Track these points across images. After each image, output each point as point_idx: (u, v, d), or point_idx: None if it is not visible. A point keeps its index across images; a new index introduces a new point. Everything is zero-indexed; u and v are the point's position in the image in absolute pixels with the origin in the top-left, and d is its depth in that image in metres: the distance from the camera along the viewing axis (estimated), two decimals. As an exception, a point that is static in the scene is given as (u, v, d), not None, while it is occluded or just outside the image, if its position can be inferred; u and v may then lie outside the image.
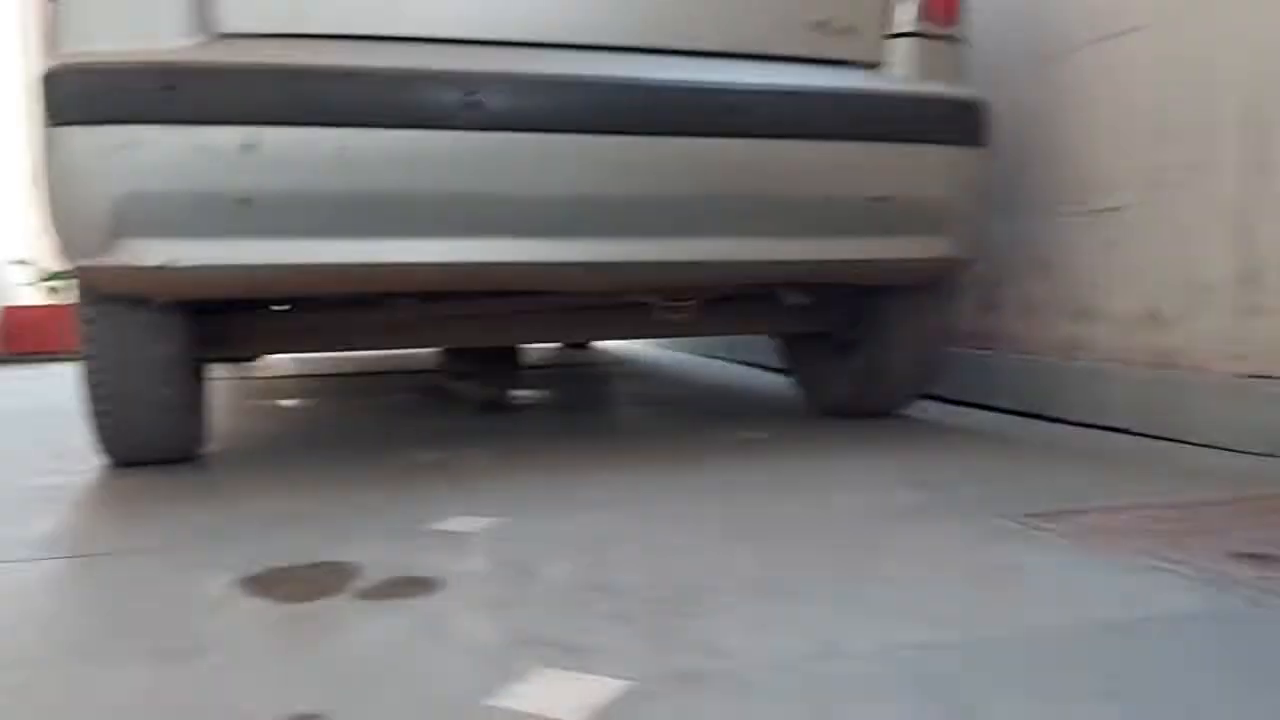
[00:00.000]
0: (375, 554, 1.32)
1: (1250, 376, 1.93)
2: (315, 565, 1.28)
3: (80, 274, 1.75)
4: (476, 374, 2.72)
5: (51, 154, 1.69)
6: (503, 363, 2.76)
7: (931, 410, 2.54)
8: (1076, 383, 2.29)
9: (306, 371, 4.05)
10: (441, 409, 2.78)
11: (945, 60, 2.09)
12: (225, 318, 2.12)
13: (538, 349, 4.84)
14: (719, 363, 4.19)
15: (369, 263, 1.74)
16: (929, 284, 2.20)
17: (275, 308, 2.24)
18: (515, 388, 2.86)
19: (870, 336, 2.32)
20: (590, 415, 2.69)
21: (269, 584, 1.21)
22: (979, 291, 2.61)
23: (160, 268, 1.68)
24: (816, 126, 1.93)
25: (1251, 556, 1.21)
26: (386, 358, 4.56)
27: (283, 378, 3.85)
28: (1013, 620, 1.03)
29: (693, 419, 2.55)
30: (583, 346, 5.17)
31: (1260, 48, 1.91)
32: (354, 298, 2.19)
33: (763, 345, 3.81)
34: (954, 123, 2.05)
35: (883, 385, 2.35)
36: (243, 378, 3.84)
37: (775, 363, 3.66)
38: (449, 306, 2.22)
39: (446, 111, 1.71)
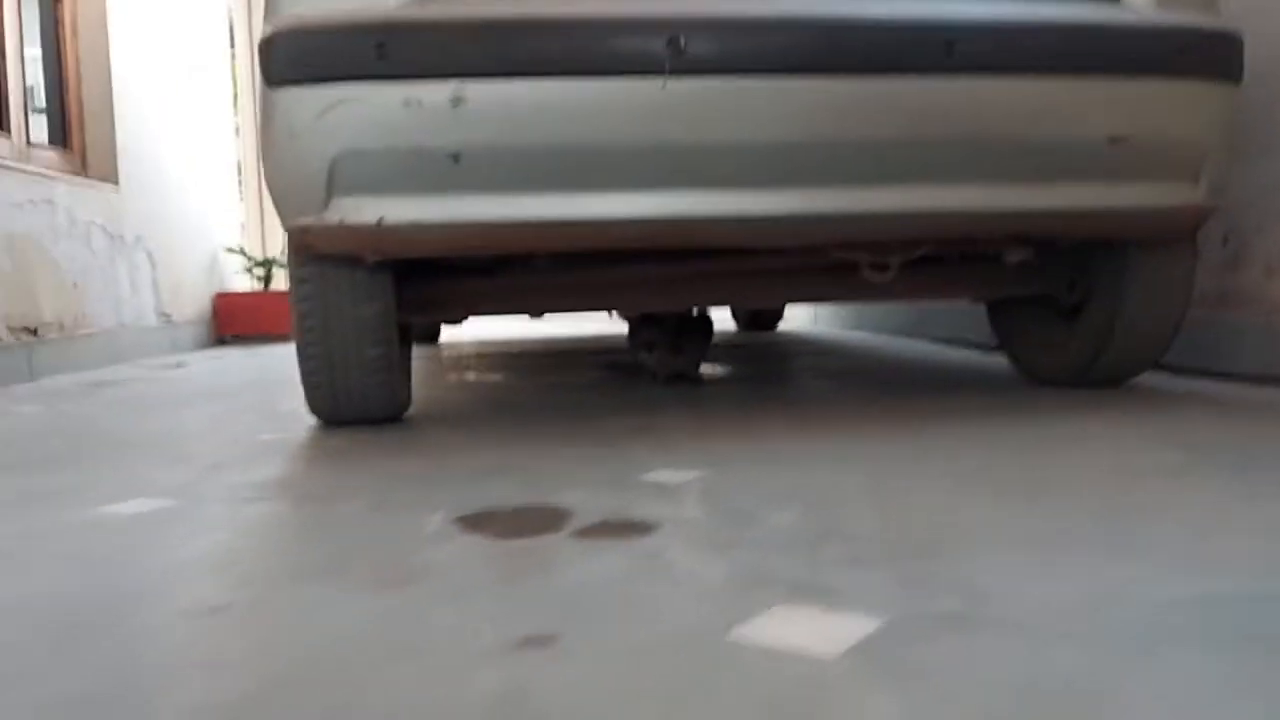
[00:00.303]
0: (585, 500, 1.28)
1: None
2: (527, 508, 1.25)
3: (296, 234, 1.80)
4: (664, 346, 2.67)
5: (269, 116, 1.74)
6: (691, 335, 2.70)
7: (1160, 380, 2.31)
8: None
9: (491, 350, 4.12)
10: (630, 382, 2.74)
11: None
12: (428, 281, 2.14)
13: (720, 329, 4.77)
14: (907, 340, 4.00)
15: (575, 218, 1.71)
16: (1171, 236, 1.99)
17: (473, 273, 2.25)
18: (703, 361, 2.79)
19: (1101, 299, 2.13)
20: (781, 387, 2.60)
21: (483, 523, 1.18)
22: (1219, 246, 2.36)
23: (373, 225, 1.70)
24: (1048, 61, 1.77)
25: None
26: (572, 337, 4.60)
27: (469, 355, 3.93)
28: (1326, 577, 0.88)
29: (889, 390, 2.42)
30: (766, 328, 5.07)
31: None
32: (553, 260, 2.18)
33: (954, 320, 3.60)
34: (1201, 55, 1.84)
35: (1115, 353, 2.14)
36: (430, 356, 3.94)
37: (971, 337, 3.45)
38: (644, 268, 2.17)
39: (651, 58, 1.65)
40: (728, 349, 3.88)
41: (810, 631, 0.78)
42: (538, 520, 1.19)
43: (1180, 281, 2.07)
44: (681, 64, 1.65)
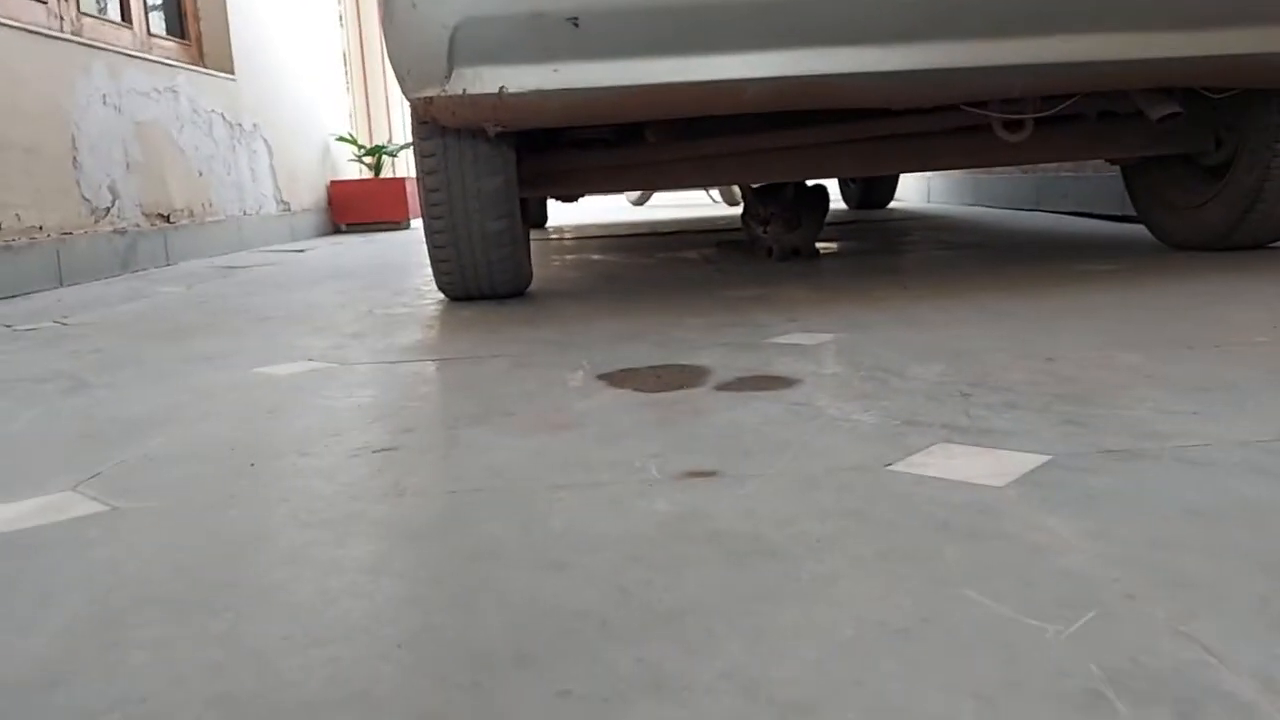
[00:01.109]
0: (722, 359, 1.29)
1: None
2: (666, 367, 1.27)
3: (420, 106, 1.81)
4: (780, 220, 2.64)
5: (391, -13, 1.74)
6: (808, 209, 2.65)
7: (1312, 244, 2.19)
8: None
9: (600, 234, 4.13)
10: (745, 259, 2.73)
11: None
12: (547, 156, 2.14)
13: (833, 209, 4.68)
14: (1028, 214, 3.86)
15: (700, 80, 1.68)
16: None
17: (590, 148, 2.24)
18: (819, 236, 2.75)
19: (1249, 156, 2.01)
20: (900, 259, 2.55)
21: (626, 379, 1.21)
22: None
23: (495, 95, 1.70)
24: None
25: None
26: (678, 221, 4.57)
27: (579, 238, 3.95)
28: None
29: (1016, 258, 2.35)
30: (878, 205, 4.95)
31: None
32: (671, 132, 2.15)
33: (1077, 190, 3.45)
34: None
35: (1265, 212, 2.03)
36: (541, 240, 3.97)
37: (1097, 208, 3.31)
38: (764, 137, 2.13)
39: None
40: (841, 226, 3.81)
41: (974, 465, 0.78)
42: (679, 376, 1.21)
43: (1339, 136, 1.94)
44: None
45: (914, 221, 3.89)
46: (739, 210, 2.64)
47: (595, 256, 3.08)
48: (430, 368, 1.38)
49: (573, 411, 1.05)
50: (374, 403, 1.17)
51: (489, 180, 1.92)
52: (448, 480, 0.84)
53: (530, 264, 2.14)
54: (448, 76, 1.72)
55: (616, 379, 1.21)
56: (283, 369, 1.41)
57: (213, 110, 3.97)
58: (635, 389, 1.15)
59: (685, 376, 1.20)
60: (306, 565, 0.66)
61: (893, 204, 5.13)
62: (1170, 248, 2.28)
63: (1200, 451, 0.79)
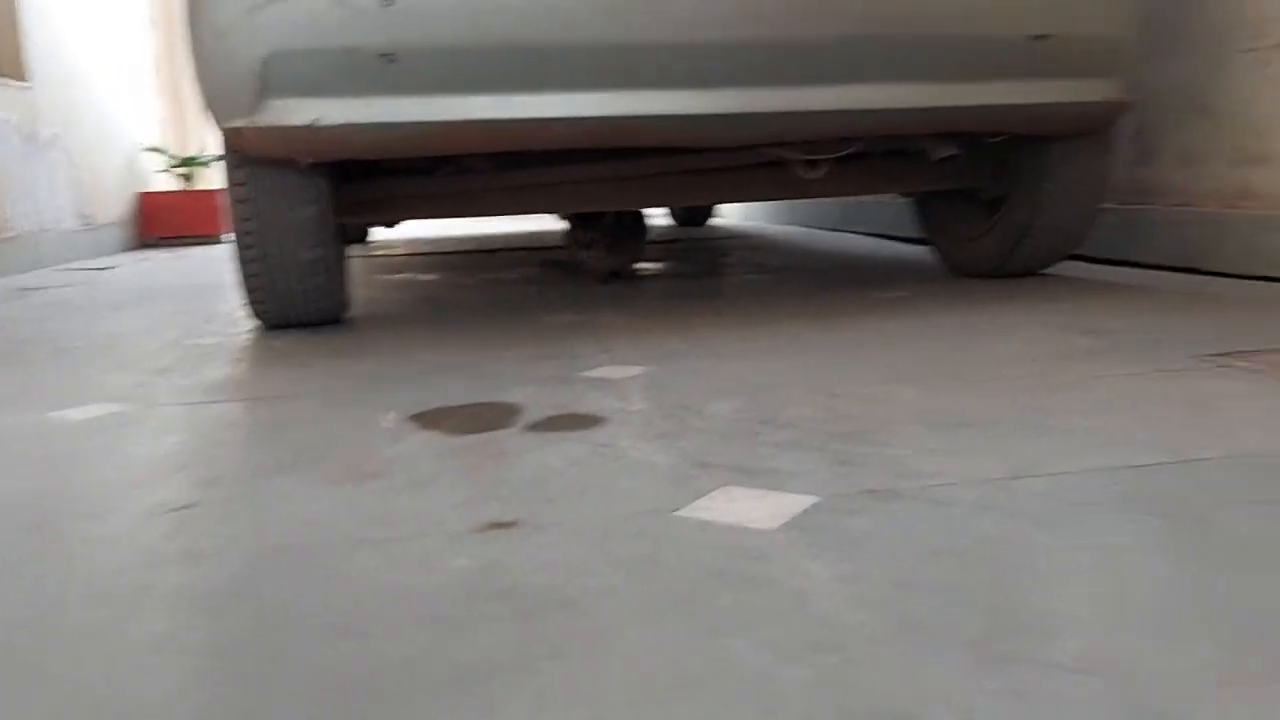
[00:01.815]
0: (534, 396, 1.33)
1: None
2: (478, 405, 1.30)
3: (230, 136, 1.77)
4: (601, 244, 2.70)
5: (197, 13, 1.70)
6: (628, 233, 2.73)
7: (1077, 269, 2.42)
8: (1240, 234, 2.15)
9: (426, 251, 4.10)
10: (567, 280, 2.78)
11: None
12: (365, 182, 2.13)
13: (655, 225, 4.80)
14: (835, 234, 4.08)
15: (513, 119, 1.72)
16: (1089, 131, 2.07)
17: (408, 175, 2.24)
18: (639, 259, 2.83)
19: (1021, 191, 2.21)
20: (716, 282, 2.65)
21: (436, 419, 1.23)
22: (1132, 141, 2.45)
23: (307, 127, 1.69)
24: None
25: None
26: (506, 235, 4.58)
27: (403, 256, 3.91)
28: (1222, 444, 0.98)
29: (822, 283, 2.49)
30: (698, 223, 5.11)
31: None
32: (491, 161, 2.18)
33: (881, 214, 3.68)
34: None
35: (1034, 243, 2.23)
36: (364, 256, 3.91)
37: (896, 231, 3.54)
38: (581, 169, 2.19)
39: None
40: (663, 245, 3.92)
41: (751, 508, 0.85)
42: (490, 416, 1.24)
43: (1095, 175, 2.15)
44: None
45: (733, 241, 4.04)
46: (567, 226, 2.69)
47: (419, 276, 3.07)
48: (238, 409, 1.35)
49: (381, 457, 1.07)
50: (177, 451, 1.15)
51: (301, 210, 1.90)
52: (248, 539, 0.84)
53: (347, 290, 2.12)
54: (257, 108, 1.69)
55: (428, 419, 1.23)
56: (79, 412, 1.36)
57: (5, 120, 3.72)
58: (446, 431, 1.17)
59: (496, 416, 1.23)
60: (90, 647, 0.66)
61: (714, 220, 5.31)
62: (954, 274, 2.47)
63: (946, 490, 0.88)
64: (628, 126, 1.78)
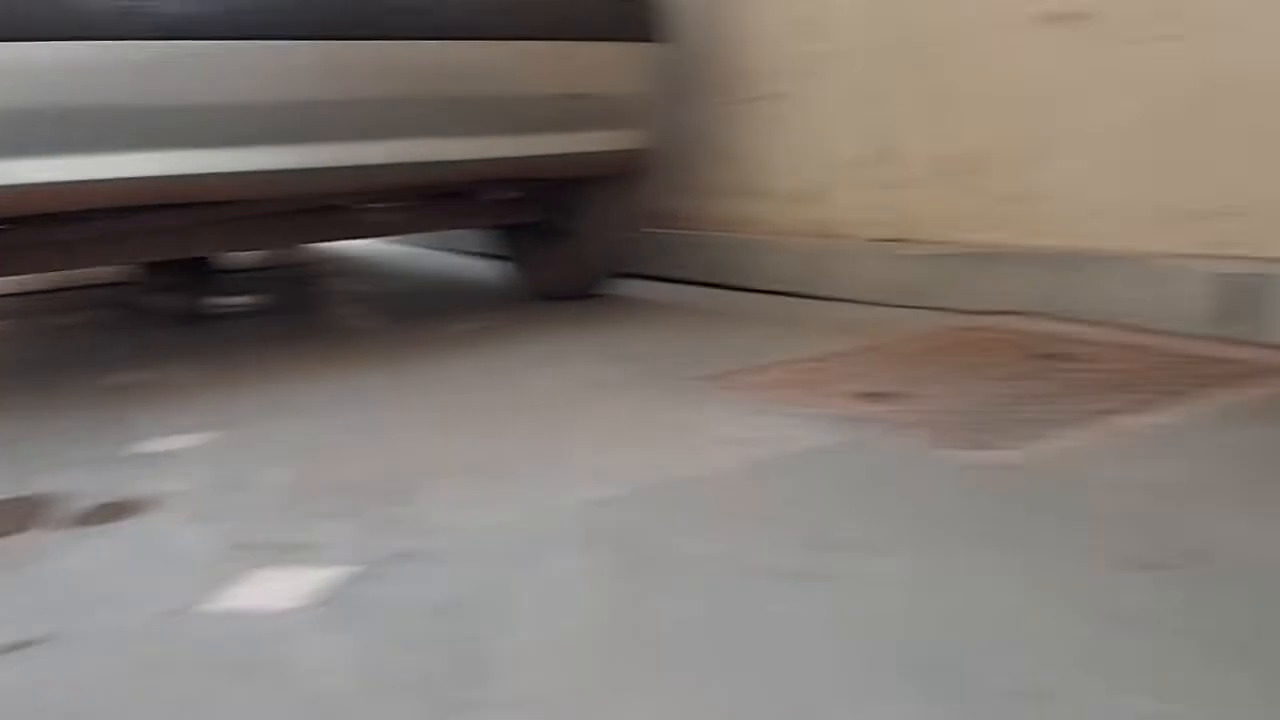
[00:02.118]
0: (80, 482, 1.31)
1: (892, 240, 2.23)
2: (21, 499, 1.26)
3: None
4: (175, 285, 2.61)
5: None
6: (199, 271, 2.66)
7: (633, 287, 2.72)
8: (751, 255, 2.54)
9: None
10: (142, 325, 2.65)
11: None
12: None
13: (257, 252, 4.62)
14: (437, 253, 4.20)
15: (52, 181, 1.65)
16: (622, 174, 2.34)
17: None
18: (218, 295, 2.77)
19: (575, 224, 2.45)
20: (301, 318, 2.67)
21: (-35, 525, 1.18)
22: (666, 177, 2.79)
23: None
24: (506, 26, 1.99)
25: (874, 395, 1.46)
26: (80, 272, 4.20)
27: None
28: (690, 469, 1.20)
29: (407, 315, 2.59)
30: (290, 246, 4.98)
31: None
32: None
33: (479, 235, 3.85)
34: (637, 20, 2.17)
35: (585, 268, 2.49)
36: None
37: (491, 250, 3.72)
38: (147, 219, 2.12)
39: (111, 21, 1.63)
40: (253, 274, 3.81)
41: (278, 590, 0.94)
42: (26, 512, 1.21)
43: (631, 208, 2.45)
44: (142, 27, 1.64)
45: (333, 265, 4.02)
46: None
47: (-42, 335, 2.76)
48: None
49: (-107, 583, 1.02)
50: None
51: None
52: None
53: None
54: None
55: (-45, 526, 1.18)
56: None
57: None
58: (-25, 538, 1.14)
59: (34, 510, 1.21)
60: None
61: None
62: (531, 296, 2.69)
63: (463, 543, 1.02)
64: (178, 185, 1.77)
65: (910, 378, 1.55)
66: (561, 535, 1.03)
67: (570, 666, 0.77)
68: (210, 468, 1.34)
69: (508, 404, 1.57)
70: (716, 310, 2.33)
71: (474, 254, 3.88)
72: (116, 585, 0.98)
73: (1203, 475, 1.09)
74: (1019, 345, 1.72)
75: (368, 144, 1.91)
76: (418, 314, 2.59)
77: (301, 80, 1.79)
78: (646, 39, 2.19)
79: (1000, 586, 0.86)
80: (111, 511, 1.19)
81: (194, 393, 1.80)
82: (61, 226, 2.08)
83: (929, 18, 2.11)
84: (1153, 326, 1.71)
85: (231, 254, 2.74)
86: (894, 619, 0.81)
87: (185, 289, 2.61)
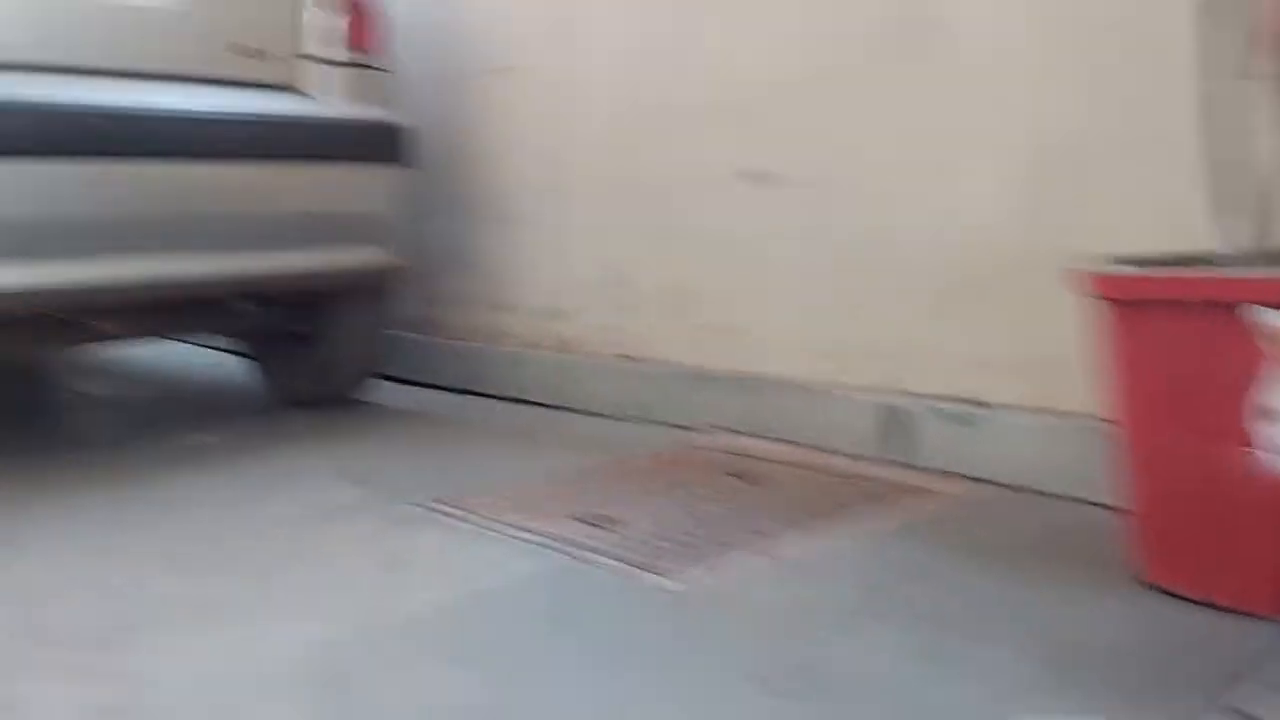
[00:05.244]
0: None
1: (625, 358, 2.44)
2: None
3: None
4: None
5: None
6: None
7: (384, 390, 2.77)
8: (500, 365, 2.68)
9: None
10: None
11: (365, 85, 2.32)
12: None
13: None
14: (186, 347, 4.07)
15: None
16: (367, 287, 2.44)
17: None
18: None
19: (321, 332, 2.52)
20: (27, 424, 2.57)
21: None
22: (422, 286, 2.91)
23: None
24: (241, 148, 2.07)
25: (590, 519, 1.62)
26: None
27: None
28: (404, 604, 1.31)
29: (142, 423, 2.55)
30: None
31: (616, 89, 2.40)
32: None
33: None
34: (375, 144, 2.31)
35: (334, 375, 2.56)
36: None
37: (241, 349, 3.67)
38: None
39: None
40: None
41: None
42: None
43: (375, 320, 2.54)
44: None
45: (70, 361, 3.83)
46: None
47: None
48: None
49: None
50: None
51: None
52: None
53: None
54: None
55: None
56: None
57: None
58: None
59: None
60: None
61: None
62: (276, 398, 2.70)
63: (176, 697, 1.08)
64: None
65: (623, 499, 1.73)
66: (274, 684, 1.11)
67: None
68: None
69: (233, 535, 1.62)
70: (462, 420, 2.45)
71: (225, 350, 3.81)
72: None
73: (833, 596, 1.31)
74: (718, 464, 1.94)
75: (106, 260, 1.92)
76: (154, 421, 2.55)
77: (42, 196, 1.80)
78: (389, 161, 2.32)
79: (633, 703, 1.02)
80: None
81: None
82: None
83: (654, 162, 2.36)
84: (827, 447, 1.98)
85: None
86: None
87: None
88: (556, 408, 2.52)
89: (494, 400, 2.65)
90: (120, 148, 1.90)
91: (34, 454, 2.26)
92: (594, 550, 1.49)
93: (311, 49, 2.20)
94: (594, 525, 1.60)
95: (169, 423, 2.52)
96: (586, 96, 2.48)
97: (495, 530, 1.58)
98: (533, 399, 2.59)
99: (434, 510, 1.70)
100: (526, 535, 1.56)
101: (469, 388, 2.75)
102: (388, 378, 2.86)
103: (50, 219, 1.84)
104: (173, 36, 2.04)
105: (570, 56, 2.50)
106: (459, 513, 1.68)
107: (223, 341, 3.79)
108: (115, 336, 2.34)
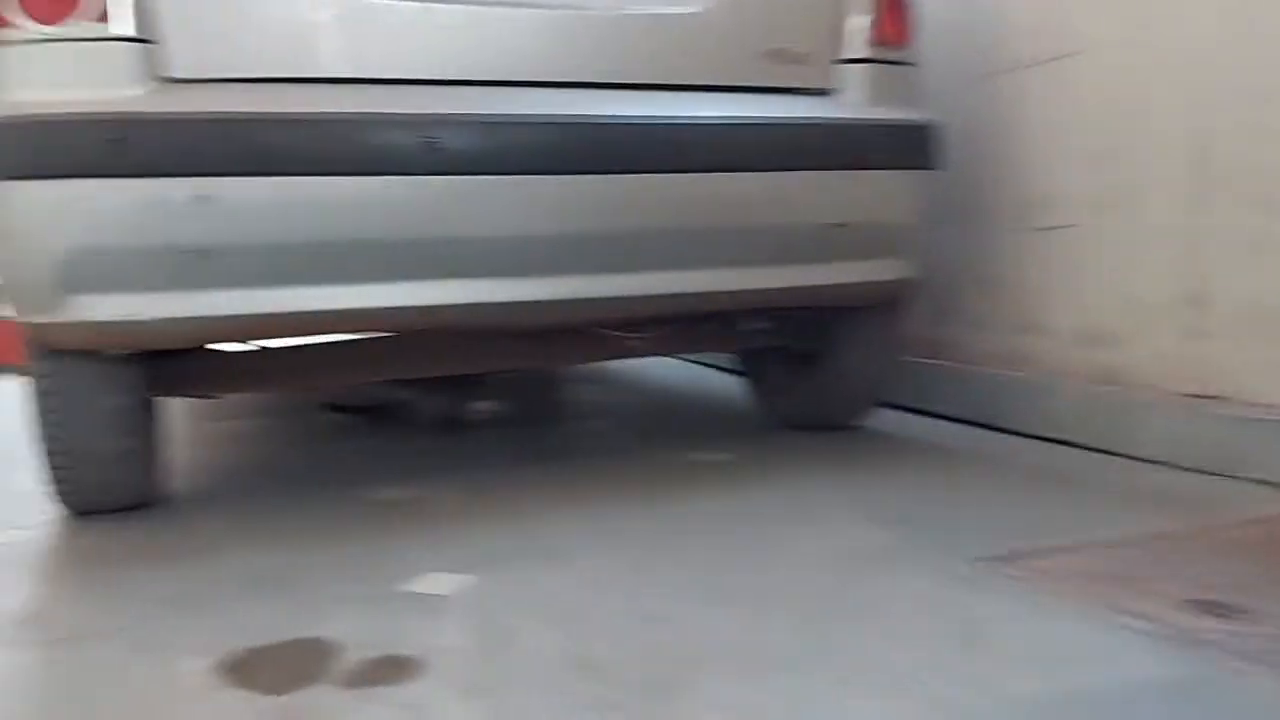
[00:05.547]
0: (350, 627, 1.31)
1: (1198, 396, 2.00)
2: (291, 644, 1.28)
3: (32, 330, 1.71)
4: (431, 389, 2.70)
5: (-2, 208, 1.64)
6: (458, 380, 2.74)
7: (888, 419, 2.57)
8: (1023, 396, 2.34)
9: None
10: (397, 429, 2.75)
11: (896, 84, 2.11)
12: (183, 360, 2.07)
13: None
14: (677, 362, 4.19)
15: (328, 310, 1.73)
16: (881, 303, 2.23)
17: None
18: (471, 401, 2.85)
19: (827, 351, 2.36)
20: (547, 433, 2.69)
21: (247, 670, 1.20)
22: (931, 303, 2.65)
23: (115, 322, 1.65)
24: (772, 158, 1.95)
25: (1213, 605, 1.26)
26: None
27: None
28: (985, 688, 1.07)
29: (648, 434, 2.56)
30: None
31: (1199, 73, 1.97)
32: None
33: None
34: (907, 148, 2.08)
35: (840, 398, 2.39)
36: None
37: (734, 366, 3.68)
38: (409, 339, 2.20)
39: (403, 157, 1.69)
40: (499, 379, 3.93)
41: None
42: (302, 663, 1.21)
43: (886, 340, 2.33)
44: (433, 163, 1.70)
45: (567, 372, 4.09)
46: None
47: (239, 422, 2.97)
48: (33, 657, 1.28)
49: (186, 740, 1.04)
50: (-42, 733, 1.08)
51: (112, 399, 1.83)
52: None
53: (160, 471, 2.04)
54: (61, 304, 1.64)
55: (239, 670, 1.20)
56: None
57: None
58: (257, 689, 1.15)
59: (310, 662, 1.21)
60: None
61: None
62: (773, 420, 2.59)
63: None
64: (441, 314, 1.81)
65: (1251, 582, 1.34)
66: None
67: None
68: (476, 623, 1.31)
69: (766, 570, 1.48)
70: (984, 456, 2.16)
71: (716, 367, 3.85)
72: (393, 776, 0.95)
73: None
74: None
75: (624, 276, 1.89)
76: (659, 434, 2.55)
77: (555, 214, 1.80)
78: (914, 166, 2.09)
79: None
80: (386, 671, 1.18)
81: (451, 522, 1.81)
82: (324, 348, 2.18)
83: (1243, 155, 1.90)
84: None
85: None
86: None
87: (446, 396, 2.69)
88: (1095, 450, 2.13)
89: (1012, 436, 2.32)
90: (638, 163, 1.85)
91: (560, 460, 2.33)
92: (1232, 653, 1.13)
93: (848, 48, 2.04)
94: (1218, 615, 1.23)
95: (668, 436, 2.50)
96: (1161, 85, 2.06)
97: (1084, 607, 1.28)
98: (1063, 438, 2.22)
99: (996, 569, 1.43)
100: (1128, 619, 1.24)
101: (981, 420, 2.45)
102: (887, 404, 2.65)
103: (591, 233, 1.84)
104: (702, 44, 1.97)
105: (1139, 42, 2.11)
106: (1028, 576, 1.40)
107: (708, 358, 3.84)
108: (632, 354, 2.35)
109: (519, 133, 1.77)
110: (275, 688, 1.15)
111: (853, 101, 2.04)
